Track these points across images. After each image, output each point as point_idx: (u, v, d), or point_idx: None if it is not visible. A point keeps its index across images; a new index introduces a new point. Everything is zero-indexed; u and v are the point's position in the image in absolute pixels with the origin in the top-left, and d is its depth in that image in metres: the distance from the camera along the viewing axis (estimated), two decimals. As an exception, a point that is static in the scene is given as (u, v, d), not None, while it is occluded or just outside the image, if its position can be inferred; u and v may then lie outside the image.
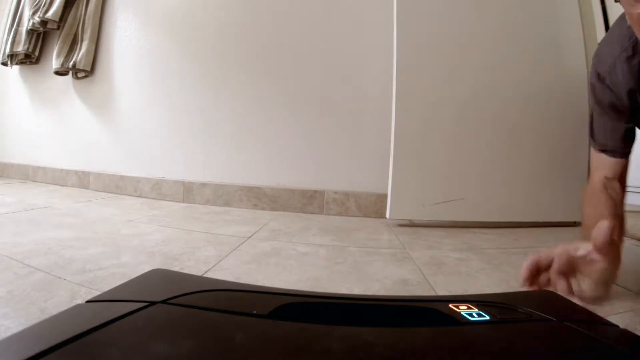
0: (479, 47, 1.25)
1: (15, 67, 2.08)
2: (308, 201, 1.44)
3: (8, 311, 0.48)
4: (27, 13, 1.91)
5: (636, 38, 0.54)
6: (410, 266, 0.78)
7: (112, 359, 0.20)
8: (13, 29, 1.96)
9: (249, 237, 0.99)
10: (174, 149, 1.65)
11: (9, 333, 0.31)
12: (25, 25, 1.90)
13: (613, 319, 0.47)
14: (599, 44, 0.66)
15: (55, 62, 1.83)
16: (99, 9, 1.82)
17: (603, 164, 0.62)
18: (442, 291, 0.65)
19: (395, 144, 1.22)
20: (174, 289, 0.31)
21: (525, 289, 0.43)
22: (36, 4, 1.86)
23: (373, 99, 1.42)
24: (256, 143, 1.54)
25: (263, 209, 1.47)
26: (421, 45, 1.23)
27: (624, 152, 0.62)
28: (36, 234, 0.91)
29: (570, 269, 0.43)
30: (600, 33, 1.32)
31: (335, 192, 1.43)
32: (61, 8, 1.80)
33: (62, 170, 1.92)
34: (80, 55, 1.77)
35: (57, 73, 1.87)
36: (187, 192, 1.58)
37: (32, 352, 0.19)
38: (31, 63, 2.00)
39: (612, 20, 1.27)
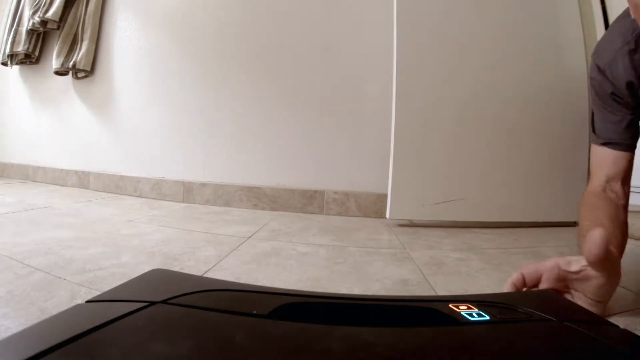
0: (479, 47, 1.25)
1: (15, 67, 2.08)
2: (308, 201, 1.44)
3: (8, 311, 0.48)
4: (27, 13, 1.91)
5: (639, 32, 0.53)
6: (410, 266, 0.78)
7: (112, 359, 0.20)
8: (13, 29, 1.96)
9: (249, 237, 0.99)
10: (174, 149, 1.65)
11: (9, 333, 0.31)
12: (25, 25, 1.90)
13: (613, 319, 0.47)
14: (598, 42, 0.65)
15: (55, 62, 1.83)
16: (99, 9, 1.82)
17: (606, 159, 0.59)
18: (442, 291, 0.64)
19: (395, 144, 1.22)
20: (173, 289, 0.31)
21: None
22: (36, 4, 1.86)
23: (373, 99, 1.42)
24: (256, 143, 1.54)
25: (263, 209, 1.47)
26: (421, 45, 1.23)
27: (628, 145, 0.59)
28: (36, 234, 0.91)
29: (562, 285, 0.39)
30: (600, 33, 1.32)
31: (335, 192, 1.43)
32: (61, 8, 1.80)
33: (62, 170, 1.92)
34: (80, 55, 1.77)
35: (57, 73, 1.87)
36: (187, 192, 1.58)
37: (32, 352, 0.19)
38: (31, 63, 2.00)
39: (612, 20, 1.27)
